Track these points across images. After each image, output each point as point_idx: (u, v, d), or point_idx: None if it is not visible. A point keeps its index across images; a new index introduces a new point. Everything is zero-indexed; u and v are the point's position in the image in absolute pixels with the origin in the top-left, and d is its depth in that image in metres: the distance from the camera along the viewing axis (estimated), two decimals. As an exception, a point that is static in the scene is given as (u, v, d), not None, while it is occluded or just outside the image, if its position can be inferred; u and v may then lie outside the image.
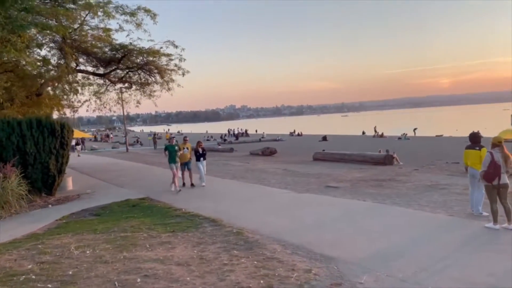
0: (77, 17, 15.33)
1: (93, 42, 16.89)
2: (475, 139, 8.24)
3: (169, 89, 19.89)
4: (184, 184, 13.58)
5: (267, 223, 8.10)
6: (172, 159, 12.75)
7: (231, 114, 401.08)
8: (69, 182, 14.64)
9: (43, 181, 12.12)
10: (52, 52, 17.10)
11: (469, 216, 7.92)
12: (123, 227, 8.05)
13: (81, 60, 18.88)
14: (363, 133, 58.10)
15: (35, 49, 16.42)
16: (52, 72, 15.69)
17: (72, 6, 15.14)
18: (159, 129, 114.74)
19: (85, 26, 15.93)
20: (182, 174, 13.63)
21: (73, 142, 41.40)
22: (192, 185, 13.36)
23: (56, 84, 15.46)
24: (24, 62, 12.98)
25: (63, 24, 14.06)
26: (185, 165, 13.47)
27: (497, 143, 7.01)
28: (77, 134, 21.38)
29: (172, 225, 8.21)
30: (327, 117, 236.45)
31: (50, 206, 11.34)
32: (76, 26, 15.57)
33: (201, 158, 13.29)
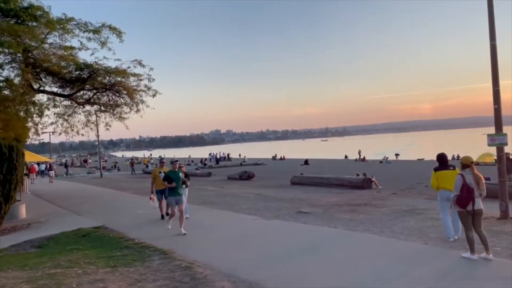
0: (38, 35, 14.56)
1: (55, 61, 16.03)
2: (444, 159, 7.70)
3: (138, 110, 19.06)
4: (162, 216, 11.38)
5: (223, 254, 7.23)
6: (174, 192, 9.43)
7: (216, 138, 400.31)
8: (22, 210, 13.53)
9: (-13, 209, 11.02)
10: (15, 72, 16.15)
11: (445, 243, 7.18)
12: (59, 262, 7.06)
13: (45, 80, 18.02)
14: (346, 157, 57.87)
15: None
16: (6, 92, 14.70)
17: (34, 24, 14.42)
18: (141, 154, 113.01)
19: (45, 45, 15.10)
20: (160, 203, 11.53)
21: (42, 167, 40.13)
22: (166, 214, 10.84)
23: (11, 105, 14.47)
24: None
25: (19, 41, 13.24)
26: (161, 192, 11.32)
27: (468, 164, 6.33)
28: (32, 158, 20.19)
29: (117, 258, 7.26)
30: (312, 141, 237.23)
31: (-10, 237, 10.23)
32: (34, 44, 14.72)
33: (183, 185, 10.25)
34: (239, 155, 69.62)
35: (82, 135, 21.40)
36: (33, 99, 17.97)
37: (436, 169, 7.66)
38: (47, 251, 8.43)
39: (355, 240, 7.82)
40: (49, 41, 15.14)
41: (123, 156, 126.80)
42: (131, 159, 55.97)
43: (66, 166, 52.00)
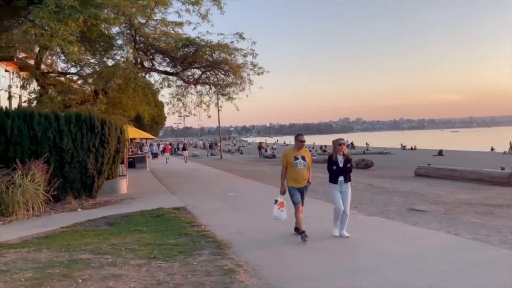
0: (144, 9, 14.43)
1: (163, 38, 15.91)
2: None
3: (243, 89, 18.12)
4: (301, 232, 6.45)
5: (283, 257, 5.57)
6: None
7: (345, 127, 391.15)
8: (123, 185, 13.67)
9: (82, 181, 11.14)
10: (126, 50, 16.57)
11: None
12: (103, 245, 6.23)
13: (157, 59, 18.24)
14: (492, 149, 49.75)
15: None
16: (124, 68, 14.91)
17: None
18: (272, 140, 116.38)
19: (152, 21, 15.00)
20: (297, 213, 6.64)
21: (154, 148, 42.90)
22: (301, 232, 6.40)
23: (122, 83, 14.76)
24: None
25: (124, 17, 13.18)
26: (300, 192, 6.70)
27: None
28: (136, 134, 20.80)
29: (166, 247, 6.13)
30: (442, 132, 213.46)
31: (79, 210, 10.22)
32: (143, 20, 14.69)
33: (342, 177, 6.53)
34: (366, 144, 65.53)
35: (194, 115, 21.43)
36: (148, 78, 18.49)
37: None
38: (112, 230, 7.84)
39: (482, 256, 5.35)
40: (155, 17, 14.98)
41: (253, 141, 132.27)
42: (260, 143, 56.86)
43: (210, 147, 56.63)
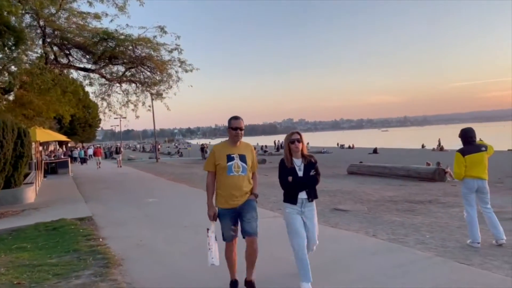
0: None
1: (79, 32, 14.53)
2: (472, 137, 5.62)
3: (170, 87, 17.16)
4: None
5: (179, 275, 4.80)
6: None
7: (289, 127, 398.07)
8: (29, 194, 12.19)
9: (-30, 192, 9.65)
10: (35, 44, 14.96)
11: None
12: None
13: (74, 55, 16.76)
14: (423, 146, 52.21)
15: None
16: (26, 64, 13.37)
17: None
18: (217, 141, 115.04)
19: (63, 12, 13.61)
20: (228, 249, 4.19)
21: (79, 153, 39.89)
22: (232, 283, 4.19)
23: (28, 80, 13.21)
24: None
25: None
26: (233, 215, 4.10)
27: None
28: (48, 137, 19.06)
29: (45, 268, 5.14)
30: (372, 132, 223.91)
31: (-37, 224, 8.77)
32: (53, 10, 13.28)
33: (305, 193, 4.14)
34: (307, 143, 66.39)
35: (121, 115, 20.11)
36: (64, 75, 16.90)
37: (462, 151, 5.57)
38: (-9, 248, 6.63)
39: (396, 261, 4.90)
40: (67, 6, 13.60)
41: (197, 143, 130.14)
42: (202, 145, 55.32)
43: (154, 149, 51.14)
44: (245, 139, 4.28)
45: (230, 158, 4.02)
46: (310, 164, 4.15)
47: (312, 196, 4.16)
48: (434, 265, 4.68)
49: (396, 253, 5.25)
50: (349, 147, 57.27)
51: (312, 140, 78.90)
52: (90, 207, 10.44)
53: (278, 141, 65.65)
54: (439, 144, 46.77)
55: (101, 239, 6.74)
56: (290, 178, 4.07)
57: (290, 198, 4.12)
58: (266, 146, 55.51)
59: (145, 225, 7.99)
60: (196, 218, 8.20)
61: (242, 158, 4.06)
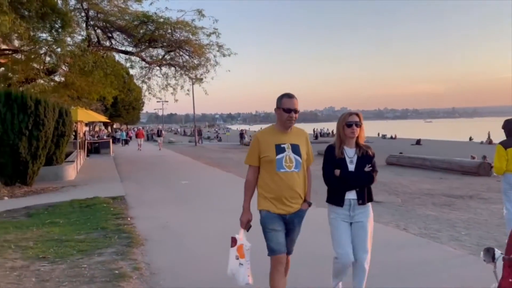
0: None
1: (120, 15, 14.78)
2: None
3: (208, 71, 17.20)
4: None
5: (198, 253, 4.78)
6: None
7: (330, 115, 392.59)
8: (70, 171, 12.67)
9: (14, 167, 10.12)
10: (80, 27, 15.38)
11: None
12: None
13: (117, 38, 17.11)
14: (470, 139, 49.80)
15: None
16: (71, 46, 13.76)
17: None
18: (257, 128, 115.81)
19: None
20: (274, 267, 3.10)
21: (123, 135, 40.52)
22: None
23: (71, 61, 13.63)
24: None
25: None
26: (283, 222, 3.10)
27: None
28: (89, 117, 19.56)
29: (71, 244, 5.29)
30: (434, 122, 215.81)
31: (6, 198, 9.24)
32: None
33: (355, 193, 3.22)
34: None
35: (160, 98, 20.45)
36: (106, 58, 17.32)
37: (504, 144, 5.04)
38: (26, 222, 6.91)
39: (424, 257, 4.62)
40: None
41: (237, 129, 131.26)
42: (241, 131, 55.53)
43: (199, 134, 49.76)
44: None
45: (280, 150, 3.03)
46: (365, 157, 3.22)
47: (364, 197, 3.20)
48: (465, 264, 4.38)
49: (426, 248, 4.97)
50: (391, 137, 55.60)
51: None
52: (124, 187, 10.72)
53: (317, 129, 65.01)
54: (489, 137, 44.37)
55: (129, 218, 6.87)
56: (337, 172, 3.18)
57: (335, 198, 3.22)
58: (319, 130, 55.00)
59: (173, 207, 8.07)
60: (225, 203, 8.23)
61: (295, 149, 3.05)
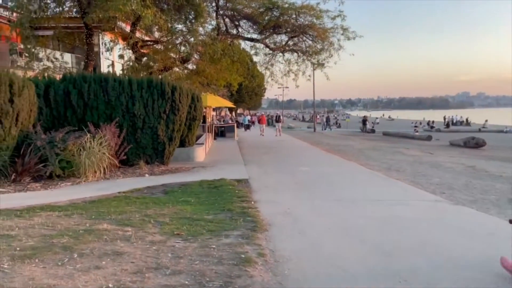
0: None
1: (246, 2, 15.23)
2: None
3: (331, 55, 16.77)
4: None
5: (320, 250, 4.63)
6: None
7: (463, 102, 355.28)
8: (200, 153, 13.59)
9: (153, 147, 11.21)
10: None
11: None
12: (138, 215, 5.95)
13: (243, 26, 17.72)
14: None
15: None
16: (203, 36, 14.66)
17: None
18: (377, 114, 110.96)
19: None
20: None
21: (245, 120, 41.38)
22: None
23: (202, 50, 14.53)
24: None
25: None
26: None
27: None
28: (216, 103, 20.36)
29: (201, 223, 5.62)
30: None
31: (146, 175, 10.29)
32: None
33: None
34: (485, 121, 58.12)
35: (282, 84, 20.70)
36: (233, 45, 18.08)
37: None
38: (163, 198, 7.57)
39: None
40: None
41: (357, 115, 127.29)
42: (364, 117, 53.55)
43: (327, 121, 48.51)
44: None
45: None
46: None
47: None
48: None
49: None
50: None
51: (492, 117, 68.82)
52: (248, 170, 11.11)
53: (449, 116, 59.33)
54: None
55: (253, 202, 7.04)
56: None
57: None
58: (433, 121, 50.63)
59: (294, 193, 8.06)
60: (347, 194, 7.95)
61: None
